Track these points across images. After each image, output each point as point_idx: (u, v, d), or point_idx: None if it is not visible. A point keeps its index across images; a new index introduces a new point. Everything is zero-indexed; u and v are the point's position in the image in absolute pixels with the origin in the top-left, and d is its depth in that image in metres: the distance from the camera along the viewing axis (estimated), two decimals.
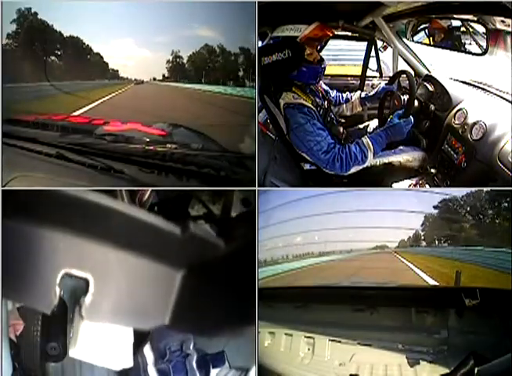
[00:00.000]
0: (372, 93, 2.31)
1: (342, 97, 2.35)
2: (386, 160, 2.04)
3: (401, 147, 2.09)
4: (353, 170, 1.88)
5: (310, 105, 1.92)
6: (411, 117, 1.91)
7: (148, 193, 1.37)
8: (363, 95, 2.34)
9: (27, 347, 1.34)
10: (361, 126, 2.42)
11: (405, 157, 2.07)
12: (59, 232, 1.18)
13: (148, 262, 1.26)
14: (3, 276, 1.19)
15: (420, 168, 2.10)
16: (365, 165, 1.90)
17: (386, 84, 2.25)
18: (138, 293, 1.27)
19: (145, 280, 1.28)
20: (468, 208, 1.84)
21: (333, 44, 2.80)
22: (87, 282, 1.21)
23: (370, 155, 1.88)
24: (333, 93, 2.33)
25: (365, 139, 1.89)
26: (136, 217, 1.20)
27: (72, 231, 1.19)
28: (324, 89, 2.22)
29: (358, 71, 2.86)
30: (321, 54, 2.07)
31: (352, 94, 2.37)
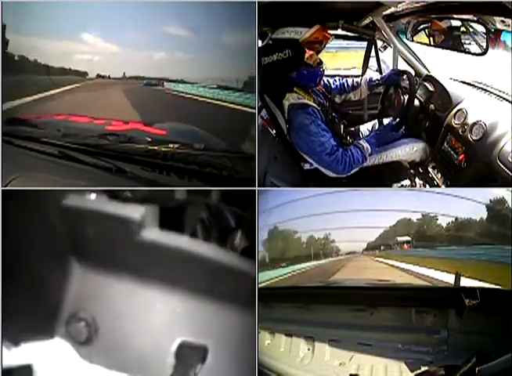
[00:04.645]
0: (379, 77, 2.35)
1: (348, 84, 2.35)
2: (387, 154, 2.06)
3: (401, 140, 2.10)
4: (354, 171, 1.93)
5: (313, 104, 1.92)
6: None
7: (238, 235, 1.39)
8: (369, 78, 2.36)
9: None
10: (361, 127, 2.44)
11: (406, 148, 2.09)
12: None
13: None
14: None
15: (421, 161, 2.11)
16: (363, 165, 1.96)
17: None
18: None
19: None
20: None
21: (333, 43, 2.81)
22: None
23: (368, 157, 1.95)
24: (337, 81, 2.34)
25: (364, 143, 1.95)
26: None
27: None
28: (326, 84, 2.23)
29: (358, 71, 2.86)
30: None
31: (358, 79, 2.37)
